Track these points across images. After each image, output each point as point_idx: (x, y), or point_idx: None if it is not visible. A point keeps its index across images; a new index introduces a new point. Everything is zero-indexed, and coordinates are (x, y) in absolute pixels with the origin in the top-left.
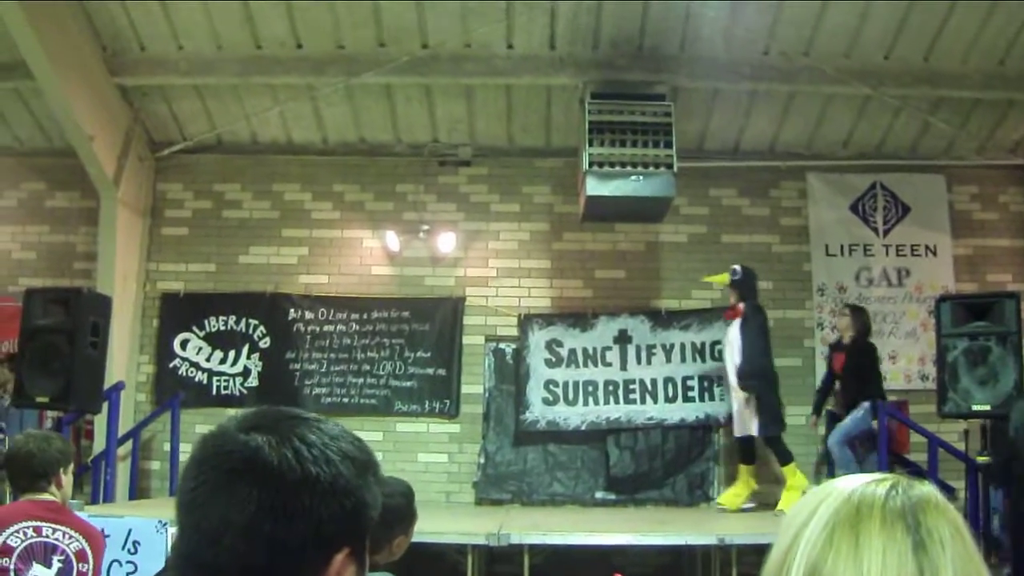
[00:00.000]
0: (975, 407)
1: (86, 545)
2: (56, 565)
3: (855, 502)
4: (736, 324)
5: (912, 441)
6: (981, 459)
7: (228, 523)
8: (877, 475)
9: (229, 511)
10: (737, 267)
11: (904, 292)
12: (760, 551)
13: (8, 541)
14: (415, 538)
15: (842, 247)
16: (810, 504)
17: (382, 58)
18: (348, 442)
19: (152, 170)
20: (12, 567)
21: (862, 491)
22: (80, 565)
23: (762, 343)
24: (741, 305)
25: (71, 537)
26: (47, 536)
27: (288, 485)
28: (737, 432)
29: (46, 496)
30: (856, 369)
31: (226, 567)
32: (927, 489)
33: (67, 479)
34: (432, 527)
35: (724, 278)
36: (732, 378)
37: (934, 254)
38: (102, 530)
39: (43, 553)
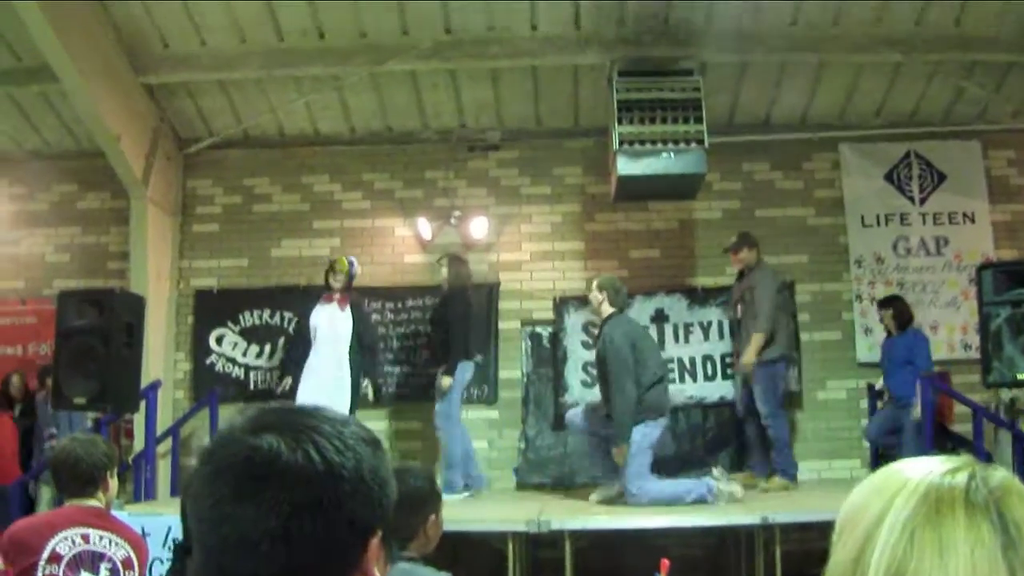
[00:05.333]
0: (1020, 375)
1: (132, 553)
2: (104, 573)
3: (933, 499)
4: None
5: (956, 412)
6: None
7: (264, 530)
8: (947, 461)
9: (262, 518)
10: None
11: (943, 261)
12: (804, 529)
13: (57, 548)
14: (457, 526)
15: (878, 217)
16: (879, 498)
17: (406, 45)
18: (355, 425)
19: (180, 167)
20: (61, 574)
21: (939, 484)
22: (126, 573)
23: None
24: None
25: (118, 545)
26: (94, 544)
27: (317, 481)
28: None
29: (93, 502)
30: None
31: (268, 574)
32: (1005, 476)
33: (113, 483)
34: (473, 515)
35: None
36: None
37: (972, 221)
38: (142, 529)
39: (91, 561)
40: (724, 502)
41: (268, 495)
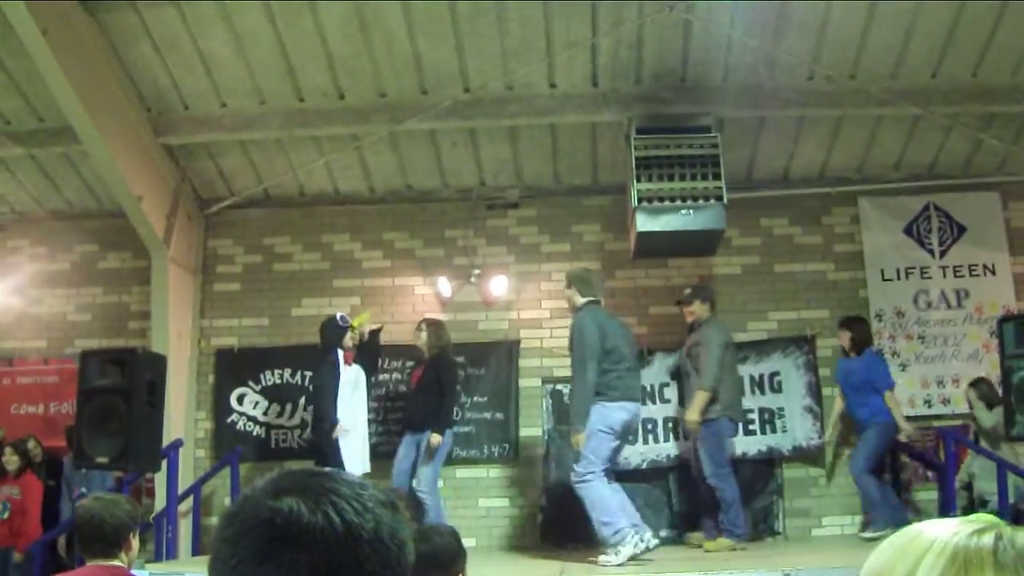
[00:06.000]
0: None
1: None
2: None
3: (961, 560)
4: None
5: None
6: None
7: None
8: (970, 522)
9: None
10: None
11: (964, 313)
12: None
13: None
14: None
15: (898, 271)
16: (904, 560)
17: (425, 104)
18: (373, 487)
19: (202, 227)
20: None
21: (966, 545)
22: None
23: None
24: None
25: None
26: None
27: (336, 543)
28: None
29: (115, 562)
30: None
31: None
32: None
33: (135, 543)
34: (494, 573)
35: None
36: None
37: (993, 273)
38: None
39: None
40: (628, 555)
41: (288, 556)
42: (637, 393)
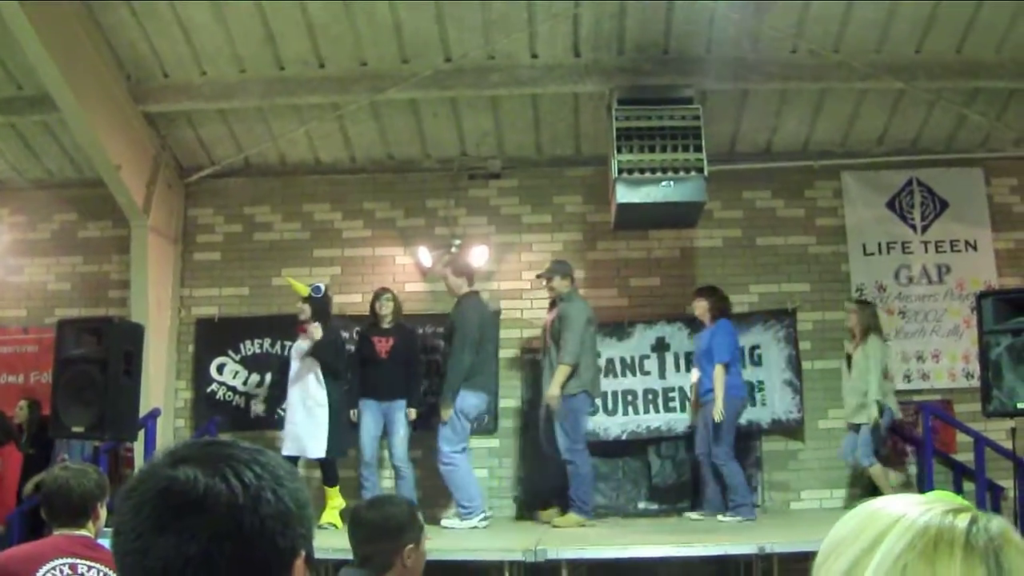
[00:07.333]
0: (1020, 405)
1: None
2: None
3: (932, 535)
4: None
5: (958, 441)
6: None
7: (186, 557)
8: (947, 502)
9: (182, 545)
10: (321, 285)
11: (945, 289)
12: (801, 559)
13: None
14: (455, 556)
15: (880, 245)
16: (872, 528)
17: (406, 73)
18: (268, 453)
19: (181, 196)
20: None
21: (939, 523)
22: None
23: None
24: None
25: (106, 574)
26: (82, 573)
27: (235, 506)
28: None
29: (82, 532)
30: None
31: None
32: (1005, 526)
33: (103, 512)
34: (472, 544)
35: (303, 289)
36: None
37: (974, 249)
38: None
39: None
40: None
41: (187, 522)
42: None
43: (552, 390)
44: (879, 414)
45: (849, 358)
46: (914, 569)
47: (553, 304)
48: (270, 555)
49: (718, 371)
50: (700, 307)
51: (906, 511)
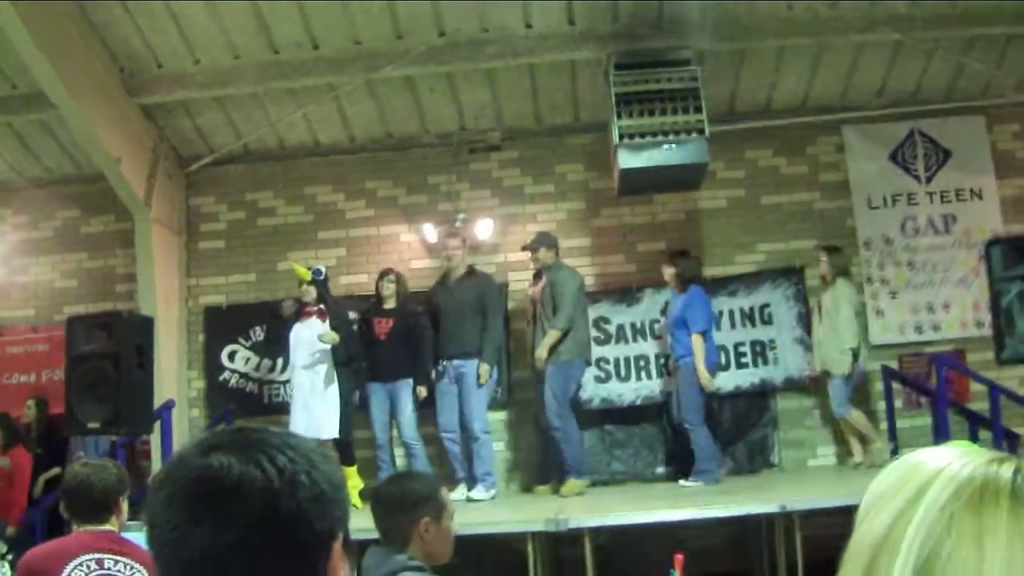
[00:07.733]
0: None
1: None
2: None
3: (978, 485)
4: None
5: (972, 390)
6: None
7: (223, 545)
8: (990, 452)
9: (219, 533)
10: (321, 267)
11: (952, 239)
12: (824, 515)
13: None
14: (478, 529)
15: (885, 198)
16: (916, 479)
17: (400, 50)
18: (298, 436)
19: (183, 186)
20: None
21: (984, 472)
22: None
23: None
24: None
25: (133, 568)
26: (109, 568)
27: (272, 491)
28: None
29: (106, 527)
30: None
31: None
32: None
33: (125, 506)
34: (493, 516)
35: (305, 273)
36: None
37: (980, 197)
38: None
39: None
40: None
41: (224, 510)
42: None
43: (541, 352)
44: (854, 359)
45: (819, 305)
46: (960, 519)
47: (538, 275)
48: (308, 538)
49: (696, 341)
50: (668, 273)
51: (949, 462)
